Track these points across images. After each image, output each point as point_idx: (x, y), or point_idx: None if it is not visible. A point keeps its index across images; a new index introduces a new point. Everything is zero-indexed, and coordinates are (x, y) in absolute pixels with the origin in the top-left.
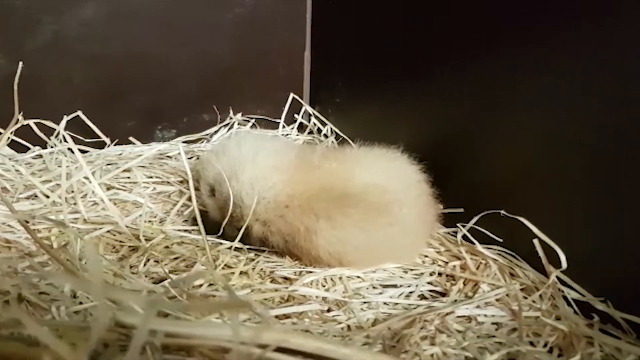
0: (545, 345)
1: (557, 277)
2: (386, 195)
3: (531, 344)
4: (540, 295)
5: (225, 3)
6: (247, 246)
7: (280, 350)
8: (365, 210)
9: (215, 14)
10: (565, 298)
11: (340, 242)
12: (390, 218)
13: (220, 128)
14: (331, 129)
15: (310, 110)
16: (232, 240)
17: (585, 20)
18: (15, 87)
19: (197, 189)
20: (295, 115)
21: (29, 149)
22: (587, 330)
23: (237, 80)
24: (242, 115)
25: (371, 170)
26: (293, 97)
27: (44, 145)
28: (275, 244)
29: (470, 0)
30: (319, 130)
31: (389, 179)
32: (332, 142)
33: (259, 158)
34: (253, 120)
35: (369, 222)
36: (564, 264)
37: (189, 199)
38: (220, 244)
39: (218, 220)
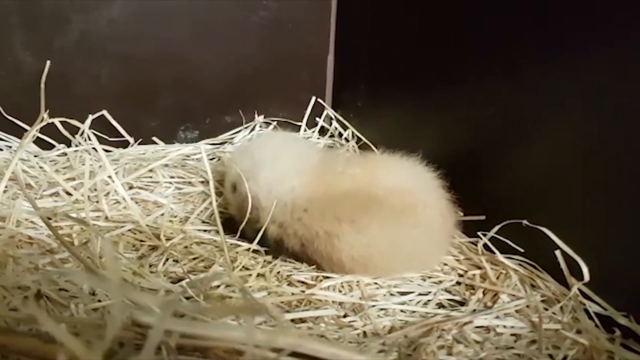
0: (564, 359)
1: (579, 290)
2: (409, 196)
3: (550, 356)
4: (561, 308)
5: (250, 6)
6: (265, 248)
7: (294, 354)
8: (389, 212)
9: (240, 16)
10: (586, 311)
11: (365, 246)
12: (414, 219)
13: (241, 130)
14: (352, 133)
15: (332, 113)
16: (251, 241)
17: (617, 29)
18: (43, 85)
19: (221, 184)
20: (317, 119)
21: (54, 146)
22: (608, 345)
23: (260, 83)
24: (264, 117)
25: (394, 174)
26: (315, 100)
27: (69, 144)
28: (291, 247)
29: (497, 7)
30: (340, 134)
31: (412, 183)
32: (353, 146)
33: (279, 161)
34: (275, 123)
35: (393, 223)
36: (587, 277)
37: (210, 200)
38: (239, 245)
39: (238, 219)
